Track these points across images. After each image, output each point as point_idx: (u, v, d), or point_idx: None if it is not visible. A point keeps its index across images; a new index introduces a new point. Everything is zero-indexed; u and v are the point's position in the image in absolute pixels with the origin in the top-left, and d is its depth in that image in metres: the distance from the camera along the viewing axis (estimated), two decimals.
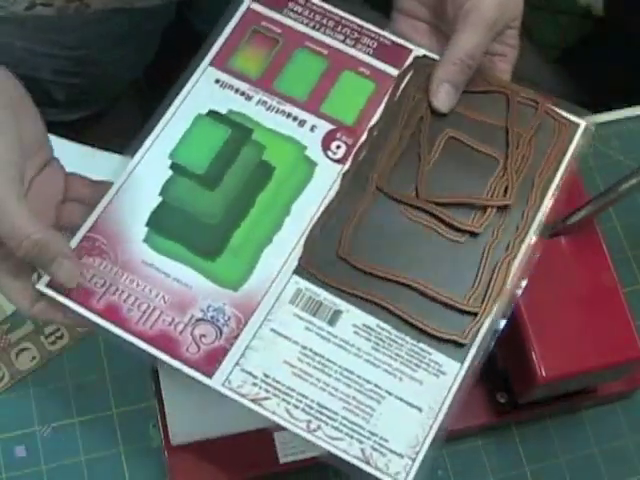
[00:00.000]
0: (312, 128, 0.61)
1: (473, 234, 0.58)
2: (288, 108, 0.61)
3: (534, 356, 0.62)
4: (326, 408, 0.54)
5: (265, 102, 0.61)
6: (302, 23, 0.64)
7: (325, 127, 0.61)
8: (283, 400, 0.54)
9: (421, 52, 0.63)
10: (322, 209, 0.59)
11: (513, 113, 0.61)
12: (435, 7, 0.65)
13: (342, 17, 0.64)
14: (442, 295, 0.56)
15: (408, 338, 0.56)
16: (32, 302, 0.56)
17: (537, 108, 0.62)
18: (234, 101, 0.61)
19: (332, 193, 0.59)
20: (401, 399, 0.54)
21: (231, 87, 0.62)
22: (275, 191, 0.59)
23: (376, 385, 0.55)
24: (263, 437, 0.68)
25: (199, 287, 0.56)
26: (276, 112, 0.61)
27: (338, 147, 0.60)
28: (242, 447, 0.68)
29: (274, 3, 0.64)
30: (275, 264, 0.57)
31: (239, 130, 0.61)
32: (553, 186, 0.60)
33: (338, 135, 0.61)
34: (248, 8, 0.64)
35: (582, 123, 0.62)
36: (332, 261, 0.57)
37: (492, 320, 0.56)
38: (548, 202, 0.59)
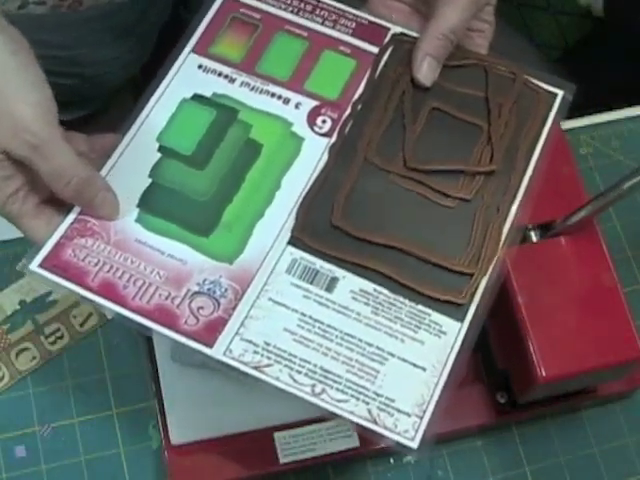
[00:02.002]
0: (297, 105, 0.62)
1: (463, 200, 0.59)
2: (272, 88, 0.63)
3: (534, 356, 0.62)
4: (329, 372, 0.54)
5: (248, 84, 0.62)
6: (280, 8, 0.65)
7: (310, 103, 0.62)
8: (286, 366, 0.54)
9: (398, 30, 0.65)
10: (312, 181, 0.60)
11: (492, 84, 0.63)
12: None
13: (319, 1, 0.66)
14: (437, 258, 0.57)
15: (407, 301, 0.56)
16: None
17: (515, 79, 0.63)
18: (218, 84, 0.62)
19: (321, 165, 0.60)
20: (404, 360, 0.55)
21: (214, 71, 0.63)
22: (264, 167, 0.60)
23: (378, 347, 0.55)
24: (263, 437, 0.68)
25: (194, 262, 0.57)
26: (260, 92, 0.62)
27: (324, 122, 0.62)
28: (242, 447, 0.68)
29: None
30: (269, 236, 0.58)
31: (224, 111, 0.62)
32: (537, 152, 0.61)
33: (323, 110, 0.62)
34: None
35: (559, 92, 0.64)
36: (325, 230, 0.58)
37: (488, 280, 0.57)
38: (533, 166, 0.61)
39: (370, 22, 0.65)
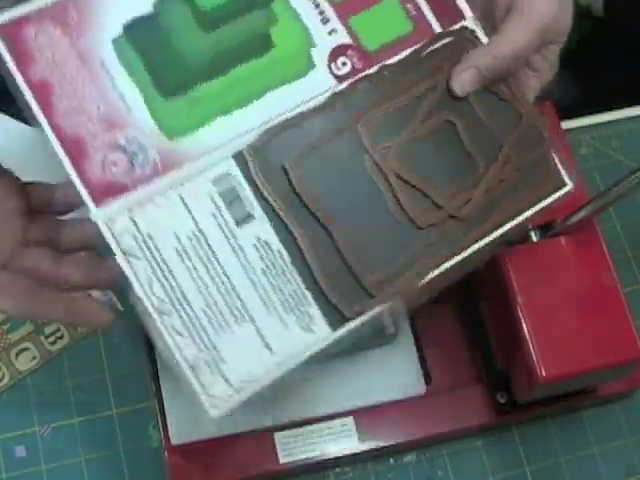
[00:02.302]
0: (331, 32, 0.57)
1: (414, 224, 0.55)
2: (321, 0, 0.58)
3: (534, 356, 0.62)
4: (187, 300, 0.51)
5: None
6: None
7: (343, 38, 0.57)
8: (152, 269, 0.51)
9: (472, 25, 0.59)
10: (293, 113, 0.55)
11: (517, 135, 0.58)
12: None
13: None
14: (354, 262, 0.54)
15: (299, 280, 0.53)
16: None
17: (541, 144, 0.58)
18: None
19: (313, 103, 0.56)
20: (260, 333, 0.52)
21: None
22: (261, 68, 0.55)
23: (244, 306, 0.52)
24: (263, 437, 0.68)
25: (138, 116, 0.53)
26: None
27: (344, 64, 0.57)
28: (242, 447, 0.68)
29: None
30: (221, 137, 0.54)
31: None
32: (510, 223, 0.57)
33: (350, 52, 0.57)
34: None
35: (569, 185, 0.58)
36: (274, 167, 0.54)
37: (386, 307, 0.54)
38: (498, 233, 0.57)
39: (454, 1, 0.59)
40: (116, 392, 0.72)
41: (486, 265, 0.67)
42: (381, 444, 0.70)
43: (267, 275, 0.53)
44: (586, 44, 1.31)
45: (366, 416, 0.69)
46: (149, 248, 0.51)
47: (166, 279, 0.51)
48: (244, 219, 0.53)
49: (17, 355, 0.72)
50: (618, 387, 0.72)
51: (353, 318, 0.53)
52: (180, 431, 0.68)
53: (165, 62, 0.54)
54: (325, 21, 0.57)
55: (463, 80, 0.57)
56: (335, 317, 0.53)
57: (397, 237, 0.55)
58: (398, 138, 0.56)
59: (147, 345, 0.70)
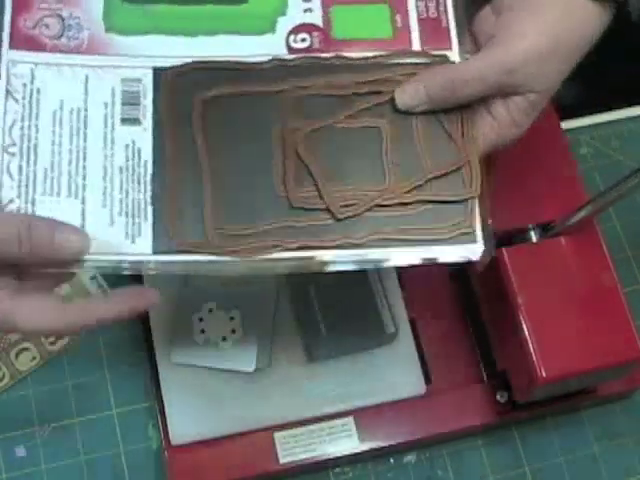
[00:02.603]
0: (307, 10, 0.58)
1: (288, 201, 0.54)
2: None
3: (534, 356, 0.62)
4: (36, 153, 0.53)
5: None
6: None
7: (315, 19, 0.58)
8: (22, 115, 0.54)
9: (455, 58, 0.57)
10: (229, 59, 0.56)
11: (442, 174, 0.55)
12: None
13: None
14: (207, 203, 0.53)
15: (149, 194, 0.53)
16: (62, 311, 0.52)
17: (464, 198, 0.55)
18: None
19: (255, 59, 0.56)
20: (83, 215, 0.53)
21: None
22: (226, 14, 0.57)
23: (84, 186, 0.53)
24: (263, 437, 0.68)
25: (92, 3, 0.56)
26: None
27: (303, 40, 0.57)
28: (242, 447, 0.68)
29: None
30: (153, 51, 0.56)
31: None
32: (387, 253, 0.54)
33: (315, 33, 0.57)
34: None
35: (478, 250, 0.54)
36: (185, 96, 0.55)
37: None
38: (363, 253, 0.54)
39: (446, 27, 0.58)
40: (116, 392, 0.72)
41: (486, 265, 0.67)
42: (381, 444, 0.70)
43: (122, 174, 0.54)
44: None
45: (366, 416, 0.69)
46: (31, 99, 0.54)
47: (28, 129, 0.54)
48: (130, 120, 0.55)
49: (17, 355, 0.72)
50: (618, 387, 0.72)
51: (175, 252, 0.53)
52: (180, 431, 0.68)
53: None
54: None
55: (405, 92, 0.55)
56: (161, 242, 0.53)
57: (266, 206, 0.54)
58: (315, 123, 0.56)
59: (147, 345, 0.70)
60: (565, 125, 0.78)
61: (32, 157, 0.53)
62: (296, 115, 0.55)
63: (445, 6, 0.58)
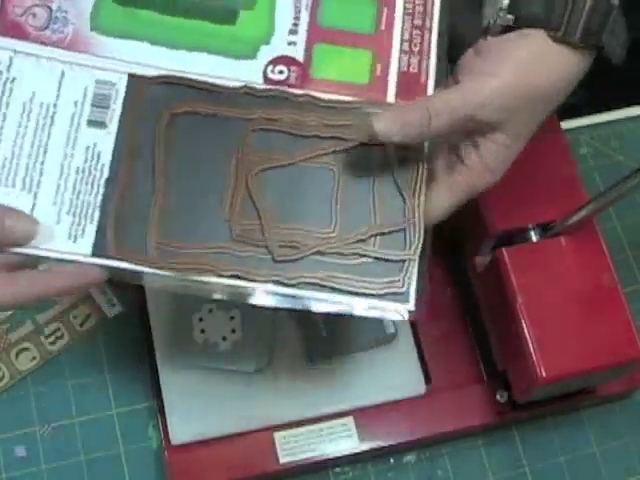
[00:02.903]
0: (290, 43, 0.57)
1: (230, 230, 0.54)
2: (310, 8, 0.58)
3: (534, 356, 0.62)
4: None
5: None
6: None
7: (297, 54, 0.57)
8: None
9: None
10: (204, 78, 0.56)
11: (385, 231, 0.54)
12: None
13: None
14: (152, 217, 0.53)
15: (100, 199, 0.53)
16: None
17: (400, 258, 0.54)
18: None
19: (229, 83, 0.56)
20: (33, 210, 0.53)
21: None
22: (209, 32, 0.57)
23: (38, 182, 0.54)
24: (263, 437, 0.68)
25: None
26: None
27: (281, 72, 0.57)
28: (242, 447, 0.68)
29: None
30: (133, 57, 0.56)
31: None
32: (303, 297, 0.53)
33: (293, 68, 0.57)
34: None
35: (407, 310, 0.53)
36: (154, 106, 0.55)
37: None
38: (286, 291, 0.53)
39: (424, 83, 0.56)
40: (116, 392, 0.72)
41: (486, 265, 0.67)
42: (381, 444, 0.70)
43: (78, 174, 0.54)
44: None
45: (366, 416, 0.69)
46: (4, 87, 0.55)
47: None
48: (97, 123, 0.55)
49: (17, 355, 0.72)
50: (618, 387, 0.72)
51: (112, 257, 0.53)
52: (180, 431, 0.68)
53: None
54: (293, 32, 0.58)
55: (381, 120, 0.52)
56: (101, 245, 0.53)
57: (210, 229, 0.54)
58: (273, 158, 0.55)
59: (147, 345, 0.70)
60: (565, 125, 0.78)
61: None
62: (256, 146, 0.55)
63: (428, 64, 0.57)
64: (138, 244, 0.53)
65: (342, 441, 0.69)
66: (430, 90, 0.57)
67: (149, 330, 0.70)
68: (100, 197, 0.54)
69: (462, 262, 0.73)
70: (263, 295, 0.53)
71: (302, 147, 0.55)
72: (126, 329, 0.73)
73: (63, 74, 0.56)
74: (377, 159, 0.55)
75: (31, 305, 0.55)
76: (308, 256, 0.54)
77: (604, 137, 0.84)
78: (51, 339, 0.73)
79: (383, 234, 0.54)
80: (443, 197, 0.56)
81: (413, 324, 0.72)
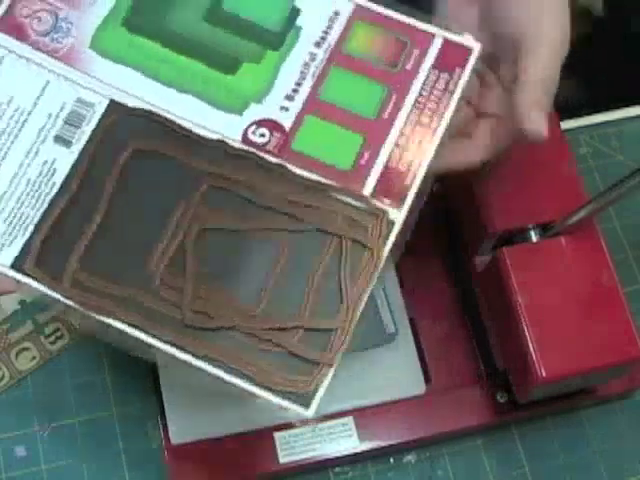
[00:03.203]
0: (282, 108, 0.54)
1: (156, 281, 0.52)
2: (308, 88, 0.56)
3: (534, 356, 0.62)
4: None
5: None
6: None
7: (285, 121, 0.55)
8: None
9: (395, 218, 0.52)
10: (181, 121, 0.55)
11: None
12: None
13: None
14: (79, 242, 0.52)
15: (39, 215, 0.53)
16: None
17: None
18: None
19: (205, 133, 0.54)
20: None
21: None
22: (206, 76, 0.56)
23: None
24: (263, 437, 0.68)
25: (93, 15, 0.57)
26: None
27: (262, 135, 0.54)
28: (242, 447, 0.68)
29: None
30: (121, 83, 0.55)
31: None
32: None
33: (277, 135, 0.54)
34: None
35: (299, 418, 0.51)
36: (121, 137, 0.54)
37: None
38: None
39: (408, 184, 0.53)
40: (116, 392, 0.72)
41: (486, 265, 0.67)
42: (381, 444, 0.70)
43: (27, 186, 0.53)
44: (586, 44, 1.31)
45: (366, 416, 0.69)
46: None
47: None
48: (63, 141, 0.54)
49: (17, 355, 0.72)
50: (618, 387, 0.72)
51: (27, 274, 0.52)
52: (180, 431, 0.68)
53: (153, 7, 0.57)
54: (289, 97, 0.55)
55: (536, 121, 0.56)
56: (20, 261, 0.52)
57: (130, 273, 0.52)
58: (221, 220, 0.53)
59: None
60: (565, 125, 0.79)
61: None
62: (208, 203, 0.53)
63: (419, 166, 0.53)
64: (56, 269, 0.52)
65: (342, 441, 0.69)
66: (411, 195, 0.53)
67: None
68: (40, 213, 0.53)
69: (462, 262, 0.73)
70: (162, 355, 0.51)
71: (255, 216, 0.53)
72: None
73: (47, 84, 0.55)
74: (330, 250, 0.52)
75: None
76: (220, 329, 0.51)
77: (604, 137, 0.84)
78: (51, 339, 0.73)
79: (307, 329, 0.51)
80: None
81: (413, 324, 0.72)
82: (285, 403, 0.50)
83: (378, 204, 0.53)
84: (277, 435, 0.68)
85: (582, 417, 0.74)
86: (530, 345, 0.62)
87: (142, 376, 0.71)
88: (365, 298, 0.51)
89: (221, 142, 0.54)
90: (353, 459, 0.70)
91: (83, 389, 0.72)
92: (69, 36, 0.56)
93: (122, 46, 0.56)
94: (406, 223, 0.53)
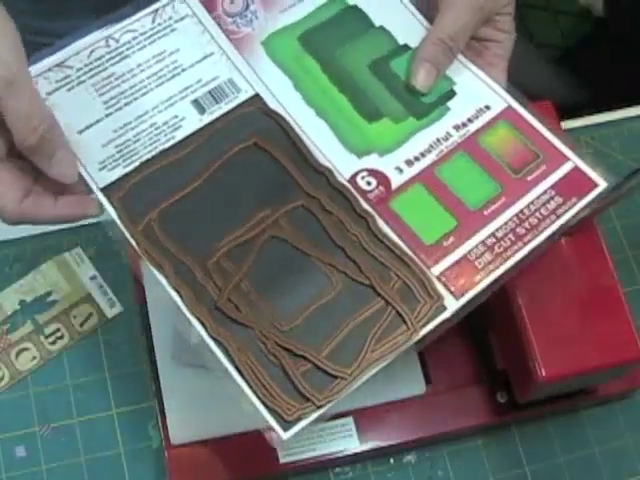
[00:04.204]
0: (399, 169, 0.57)
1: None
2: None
3: (534, 356, 0.62)
4: None
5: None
6: None
7: (399, 180, 0.56)
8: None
9: (450, 306, 0.53)
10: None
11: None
12: None
13: None
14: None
15: None
16: (22, 195, 0.53)
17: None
18: None
19: (323, 163, 0.57)
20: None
21: None
22: (349, 112, 0.59)
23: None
24: (263, 437, 0.68)
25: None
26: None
27: (368, 184, 0.57)
28: (242, 447, 0.68)
29: None
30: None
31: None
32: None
33: (382, 189, 0.56)
34: None
35: (275, 439, 0.52)
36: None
37: None
38: None
39: (477, 280, 0.54)
40: (116, 392, 0.72)
41: None
42: (381, 444, 0.70)
43: (151, 128, 0.57)
44: (586, 44, 1.31)
45: (366, 416, 0.69)
46: (166, 22, 0.60)
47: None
48: (198, 106, 0.58)
49: (17, 355, 0.72)
50: (618, 387, 0.72)
51: (112, 203, 0.55)
52: (180, 431, 0.68)
53: (331, 37, 0.61)
54: (409, 163, 0.57)
55: (421, 76, 0.59)
56: (112, 189, 0.56)
57: (194, 240, 0.55)
58: (295, 239, 0.55)
59: (147, 345, 0.70)
60: (565, 125, 0.79)
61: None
62: (291, 219, 0.55)
63: (492, 271, 0.54)
64: (137, 211, 0.55)
65: (342, 441, 0.69)
66: (472, 293, 0.53)
67: (149, 330, 0.70)
68: (148, 156, 0.56)
69: None
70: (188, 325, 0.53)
71: (326, 248, 0.55)
72: (126, 329, 0.73)
73: (211, 55, 0.59)
74: (374, 309, 0.53)
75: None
76: (241, 324, 0.52)
77: (604, 137, 0.84)
78: (51, 339, 0.73)
79: (316, 366, 0.52)
80: (496, 71, 0.62)
81: None
82: (268, 417, 0.51)
83: (439, 287, 0.53)
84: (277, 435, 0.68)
85: (582, 417, 0.74)
86: (530, 345, 0.62)
87: (142, 376, 0.71)
88: (381, 365, 0.52)
89: (329, 171, 0.57)
90: (353, 459, 0.70)
91: (83, 389, 0.72)
92: (249, 26, 0.60)
93: (289, 55, 0.60)
94: (454, 316, 0.53)
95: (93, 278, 0.75)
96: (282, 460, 0.68)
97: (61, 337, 0.73)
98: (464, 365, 0.73)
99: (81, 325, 0.74)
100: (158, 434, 0.70)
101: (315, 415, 0.51)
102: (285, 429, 0.51)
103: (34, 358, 0.72)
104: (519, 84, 0.62)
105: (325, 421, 0.69)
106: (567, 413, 0.74)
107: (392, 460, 0.72)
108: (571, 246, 0.65)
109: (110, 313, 0.74)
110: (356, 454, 0.69)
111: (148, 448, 0.71)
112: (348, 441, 0.69)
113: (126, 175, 0.56)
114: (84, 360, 0.73)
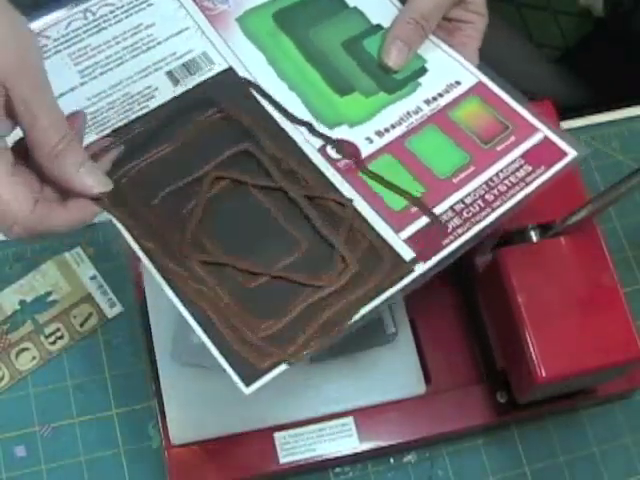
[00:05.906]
0: (369, 139, 0.58)
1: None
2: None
3: (534, 356, 0.62)
4: None
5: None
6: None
7: (366, 151, 0.57)
8: None
9: (406, 256, 0.54)
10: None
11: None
12: None
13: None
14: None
15: None
16: (33, 204, 0.50)
17: None
18: None
19: (302, 146, 0.57)
20: None
21: None
22: (321, 86, 0.60)
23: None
24: (263, 437, 0.68)
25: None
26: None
27: (338, 153, 0.57)
28: (242, 447, 0.68)
29: None
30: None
31: None
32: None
33: (351, 161, 0.57)
34: None
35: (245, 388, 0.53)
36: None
37: None
38: None
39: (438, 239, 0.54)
40: (116, 392, 0.72)
41: (486, 265, 0.67)
42: (381, 444, 0.70)
43: (124, 97, 0.58)
44: (586, 44, 1.31)
45: (366, 416, 0.69)
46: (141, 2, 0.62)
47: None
48: (172, 78, 0.59)
49: (17, 355, 0.72)
50: (618, 387, 0.72)
51: None
52: (180, 431, 0.68)
53: (306, 17, 0.62)
54: (379, 134, 0.58)
55: (394, 54, 0.60)
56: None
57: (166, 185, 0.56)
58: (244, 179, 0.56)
59: (147, 345, 0.70)
60: (565, 125, 0.79)
61: None
62: (241, 168, 0.56)
63: (461, 236, 0.54)
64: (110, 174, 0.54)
65: (342, 441, 0.69)
66: (440, 256, 0.54)
67: (149, 330, 0.70)
68: (120, 124, 0.57)
69: (462, 262, 0.73)
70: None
71: (285, 207, 0.55)
72: (126, 329, 0.73)
73: (186, 29, 0.61)
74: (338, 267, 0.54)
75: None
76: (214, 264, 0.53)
77: (604, 137, 0.84)
78: (51, 339, 0.73)
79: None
80: (468, 51, 0.63)
81: (413, 324, 0.72)
82: (228, 368, 0.51)
83: (407, 250, 0.54)
84: (277, 435, 0.68)
85: (582, 417, 0.74)
86: (530, 345, 0.62)
87: (142, 376, 0.71)
88: (355, 319, 0.52)
89: (319, 152, 0.57)
90: (353, 459, 0.70)
91: (83, 389, 0.72)
92: (225, 3, 0.62)
93: (263, 32, 0.61)
94: (422, 277, 0.53)
95: (93, 278, 0.75)
96: (282, 460, 0.68)
97: (61, 337, 0.73)
98: (464, 365, 0.73)
99: (81, 325, 0.74)
100: (158, 434, 0.70)
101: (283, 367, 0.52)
102: (248, 384, 0.52)
103: (34, 358, 0.72)
104: (519, 84, 0.62)
105: (325, 421, 0.69)
106: (567, 413, 0.74)
107: (392, 460, 0.72)
108: (571, 246, 0.65)
109: (110, 313, 0.74)
110: (356, 454, 0.69)
111: (148, 448, 0.71)
112: (348, 441, 0.69)
113: (96, 141, 0.56)
114: (84, 360, 0.73)
